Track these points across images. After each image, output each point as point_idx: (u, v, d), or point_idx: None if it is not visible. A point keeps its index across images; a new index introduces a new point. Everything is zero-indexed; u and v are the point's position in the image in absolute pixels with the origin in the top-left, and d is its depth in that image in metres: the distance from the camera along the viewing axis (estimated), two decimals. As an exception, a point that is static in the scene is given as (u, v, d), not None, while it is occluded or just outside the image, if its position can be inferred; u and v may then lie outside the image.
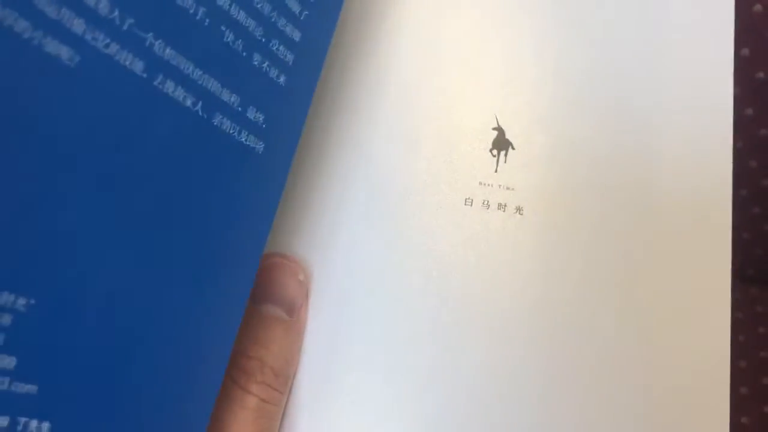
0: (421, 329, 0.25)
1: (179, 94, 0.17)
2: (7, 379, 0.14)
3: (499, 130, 0.26)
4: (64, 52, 0.14)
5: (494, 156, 0.26)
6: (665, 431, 0.24)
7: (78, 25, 0.14)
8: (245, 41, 0.19)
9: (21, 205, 0.14)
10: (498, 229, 0.25)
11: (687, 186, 0.26)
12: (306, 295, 0.25)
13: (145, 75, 0.16)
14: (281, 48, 0.20)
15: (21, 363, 0.14)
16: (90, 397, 0.16)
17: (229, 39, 0.18)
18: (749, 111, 0.40)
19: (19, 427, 0.14)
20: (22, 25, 0.13)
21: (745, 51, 0.40)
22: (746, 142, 0.41)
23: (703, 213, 0.26)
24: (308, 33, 0.21)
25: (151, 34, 0.16)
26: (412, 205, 0.26)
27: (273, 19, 0.19)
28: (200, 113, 0.18)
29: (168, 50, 0.17)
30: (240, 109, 0.19)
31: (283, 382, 0.23)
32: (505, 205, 0.25)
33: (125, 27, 0.15)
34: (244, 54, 0.19)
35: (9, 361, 0.14)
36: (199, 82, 0.17)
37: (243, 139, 0.19)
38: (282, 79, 0.20)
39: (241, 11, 0.18)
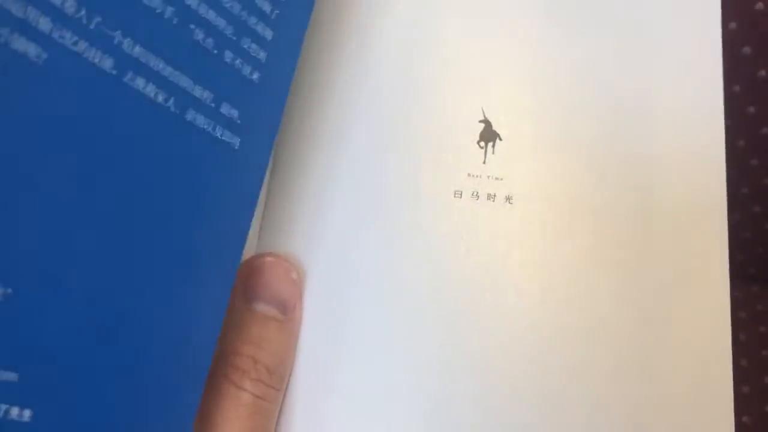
0: (415, 323, 0.25)
1: (150, 90, 0.18)
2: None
3: (486, 122, 0.27)
4: (32, 50, 0.15)
5: (482, 148, 0.27)
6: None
7: (44, 24, 0.15)
8: (216, 39, 0.20)
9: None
10: (488, 220, 0.26)
11: (680, 172, 0.26)
12: (300, 294, 0.25)
13: (114, 72, 0.17)
14: (253, 46, 0.21)
15: (0, 351, 0.15)
16: (72, 385, 0.17)
17: (198, 37, 0.19)
18: (751, 109, 0.40)
19: (1, 414, 0.15)
20: (-13, 24, 0.14)
21: (747, 49, 0.40)
22: (748, 140, 0.41)
23: (700, 201, 0.26)
24: (280, 31, 0.22)
25: (119, 32, 0.17)
26: (401, 199, 0.26)
27: (243, 18, 0.20)
28: (172, 109, 0.18)
29: (137, 48, 0.18)
30: (213, 105, 0.20)
31: (278, 379, 0.24)
32: (495, 195, 0.26)
33: (92, 26, 0.16)
34: (215, 52, 0.20)
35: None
36: (170, 79, 0.18)
37: (218, 135, 0.20)
38: (255, 75, 0.21)
39: (210, 11, 0.19)
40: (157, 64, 0.18)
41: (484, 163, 0.27)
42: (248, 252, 0.26)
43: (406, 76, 0.28)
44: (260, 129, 0.21)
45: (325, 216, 0.26)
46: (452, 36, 0.28)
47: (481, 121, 0.27)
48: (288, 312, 0.25)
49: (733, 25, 0.40)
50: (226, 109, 0.20)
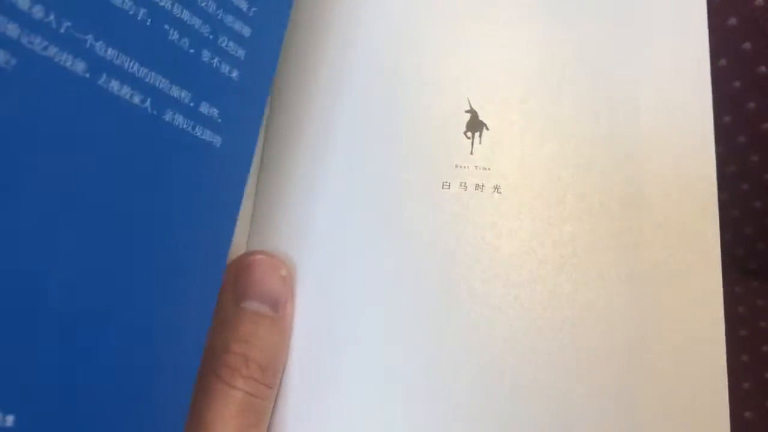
0: (406, 316, 0.25)
1: (126, 92, 0.18)
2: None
3: (472, 112, 0.27)
4: (0, 56, 0.15)
5: (469, 138, 0.27)
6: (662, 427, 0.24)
7: (12, 30, 0.16)
8: (191, 39, 0.20)
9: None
10: (477, 210, 0.26)
11: (669, 159, 0.26)
12: (291, 290, 0.26)
13: (87, 75, 0.17)
14: (231, 44, 0.21)
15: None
16: (57, 388, 0.17)
17: (174, 37, 0.19)
18: (751, 105, 0.40)
19: (-16, 419, 0.15)
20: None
21: (747, 45, 0.40)
22: (748, 136, 0.41)
23: (690, 189, 0.26)
24: (259, 28, 0.22)
25: (90, 36, 0.17)
26: (390, 192, 0.26)
27: (219, 17, 0.21)
28: (150, 110, 0.19)
29: (110, 50, 0.18)
30: (192, 104, 0.20)
31: (270, 376, 0.24)
32: (483, 186, 0.26)
33: (63, 30, 0.17)
34: (192, 51, 0.20)
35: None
36: (146, 80, 0.19)
37: (198, 134, 0.20)
38: (235, 74, 0.21)
39: (184, 10, 0.20)
40: (132, 65, 0.18)
41: (471, 153, 0.27)
42: (238, 250, 0.26)
43: (390, 67, 0.28)
44: (242, 127, 0.21)
45: (313, 212, 0.27)
46: (436, 25, 0.28)
47: (467, 111, 0.27)
48: (279, 309, 0.25)
49: (733, 21, 0.40)
50: (205, 108, 0.20)
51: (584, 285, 0.25)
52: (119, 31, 0.18)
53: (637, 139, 0.26)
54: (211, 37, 0.20)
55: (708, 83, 0.27)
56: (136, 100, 0.18)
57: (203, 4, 0.20)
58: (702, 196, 0.26)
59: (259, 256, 0.25)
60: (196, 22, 0.20)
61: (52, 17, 0.16)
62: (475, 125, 0.27)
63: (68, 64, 0.17)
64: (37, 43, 0.16)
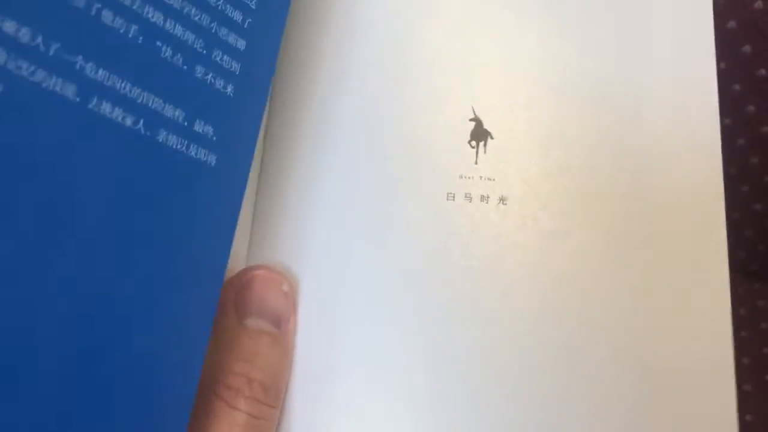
0: (410, 331, 0.25)
1: (117, 114, 0.18)
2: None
3: (477, 120, 0.27)
4: (-14, 83, 0.15)
5: (473, 147, 0.27)
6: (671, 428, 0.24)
7: (-1, 55, 0.15)
8: (185, 55, 0.20)
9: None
10: (482, 222, 0.26)
11: (677, 168, 0.26)
12: (293, 306, 0.25)
13: (78, 99, 0.17)
14: (225, 58, 0.21)
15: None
16: (51, 413, 0.17)
17: (167, 54, 0.19)
18: (751, 108, 0.40)
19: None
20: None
21: (747, 48, 0.40)
22: (747, 139, 0.41)
23: (697, 197, 0.25)
24: (254, 40, 0.22)
25: (80, 57, 0.17)
26: (392, 204, 0.26)
27: (213, 30, 0.20)
28: (143, 131, 0.18)
29: (101, 71, 0.17)
30: (186, 123, 0.20)
31: (273, 396, 0.24)
32: (488, 197, 0.26)
33: (51, 52, 0.16)
34: (185, 68, 0.20)
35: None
36: (138, 101, 0.18)
37: (192, 154, 0.20)
38: (229, 89, 0.21)
39: (177, 25, 0.19)
40: (124, 86, 0.18)
41: (476, 163, 0.26)
42: (237, 264, 0.26)
43: (390, 75, 0.27)
44: (237, 144, 0.21)
45: (313, 225, 0.26)
46: (437, 31, 0.28)
47: (471, 120, 0.27)
48: (281, 325, 0.25)
49: (732, 24, 0.39)
50: (199, 126, 0.20)
51: (592, 298, 0.24)
52: (110, 52, 0.18)
53: (644, 144, 0.26)
54: (205, 51, 0.20)
55: (714, 85, 0.26)
56: (129, 121, 0.18)
57: (197, 18, 0.20)
58: (709, 203, 0.25)
59: (260, 272, 0.25)
60: (190, 37, 0.20)
61: (39, 40, 0.16)
62: (480, 134, 0.27)
63: (57, 88, 0.17)
64: (25, 68, 0.16)
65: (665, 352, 0.24)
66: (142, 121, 0.18)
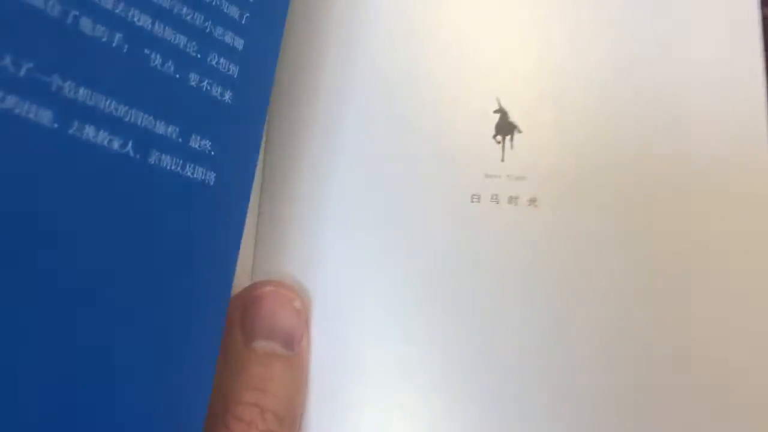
0: (433, 348, 0.23)
1: (102, 138, 0.16)
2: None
3: (502, 112, 0.25)
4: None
5: (499, 143, 0.24)
6: None
7: (-40, 83, 0.13)
8: (177, 61, 0.17)
9: None
10: (510, 226, 0.24)
11: (723, 162, 0.24)
12: (305, 324, 0.24)
13: (56, 125, 0.15)
14: (222, 61, 0.19)
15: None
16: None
17: (156, 63, 0.17)
18: None
19: None
20: None
21: None
22: None
23: (744, 193, 0.23)
24: (253, 37, 0.19)
25: (56, 76, 0.15)
26: (411, 208, 0.24)
27: (208, 30, 0.18)
28: (132, 154, 0.17)
29: (81, 91, 0.15)
30: (180, 140, 0.18)
31: (289, 425, 0.23)
32: (517, 198, 0.24)
33: (22, 73, 0.14)
34: (178, 76, 0.18)
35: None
36: (126, 120, 0.16)
37: (189, 174, 0.18)
38: (228, 96, 0.19)
39: (167, 28, 0.17)
40: (109, 104, 0.16)
41: (502, 160, 0.24)
42: (243, 280, 0.24)
43: (404, 66, 0.25)
44: (238, 156, 0.19)
45: (325, 233, 0.25)
46: (457, 15, 0.26)
47: (496, 112, 0.25)
48: (294, 346, 0.23)
49: None
50: (195, 141, 0.18)
51: (632, 313, 0.23)
52: (91, 66, 0.16)
53: (685, 132, 0.24)
54: (199, 55, 0.18)
55: (760, 75, 0.24)
56: (116, 145, 0.16)
57: (189, 17, 0.18)
58: (759, 195, 0.23)
59: (268, 288, 0.23)
60: (182, 40, 0.18)
61: (8, 60, 0.14)
62: (506, 128, 0.25)
63: (31, 115, 0.14)
64: (-8, 95, 0.14)
65: (730, 353, 0.22)
66: (131, 142, 0.16)
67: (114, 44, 0.16)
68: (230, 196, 0.19)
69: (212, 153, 0.19)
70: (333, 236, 0.25)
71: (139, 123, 0.17)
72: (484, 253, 0.24)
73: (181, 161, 0.18)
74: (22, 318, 0.15)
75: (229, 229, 0.19)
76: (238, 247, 0.20)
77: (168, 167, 0.18)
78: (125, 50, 0.16)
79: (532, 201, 0.24)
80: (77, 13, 0.15)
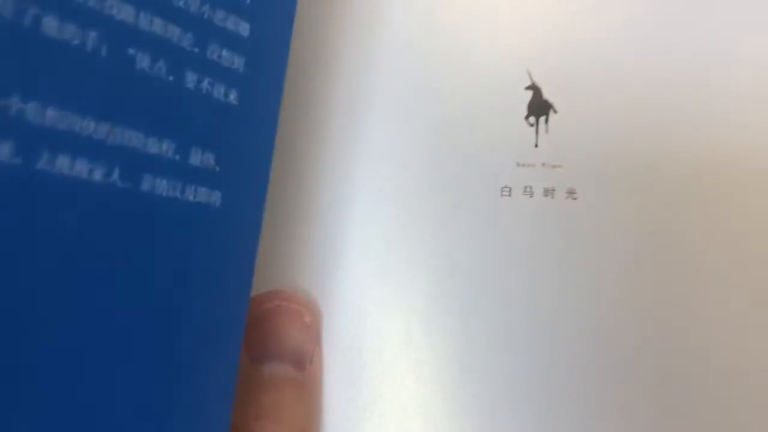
0: (459, 362, 0.20)
1: (80, 168, 0.12)
2: None
3: (534, 89, 0.21)
4: None
5: (532, 125, 0.21)
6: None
7: None
8: (170, 60, 0.14)
9: None
10: (546, 223, 0.21)
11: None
12: (316, 339, 0.21)
13: (19, 160, 0.11)
14: (225, 53, 0.15)
15: None
16: None
17: (143, 65, 0.13)
18: None
19: None
20: None
21: None
22: None
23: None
24: (260, 20, 0.15)
25: (16, 98, 0.11)
26: (433, 204, 0.21)
27: (206, 16, 0.14)
28: (119, 184, 0.13)
29: (49, 112, 0.12)
30: (178, 157, 0.14)
31: None
32: (553, 190, 0.21)
33: (-30, 98, 0.10)
34: (171, 78, 0.14)
35: None
36: (109, 142, 0.13)
37: (190, 198, 0.14)
38: (233, 96, 0.15)
39: (155, 19, 0.13)
40: (86, 126, 0.12)
41: (536, 146, 0.21)
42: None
43: (422, 33, 0.21)
44: (248, 168, 0.16)
45: (340, 235, 0.21)
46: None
47: (528, 88, 0.21)
48: (304, 365, 0.20)
49: None
50: (196, 157, 0.14)
51: (689, 318, 0.20)
52: (60, 79, 0.12)
53: (742, 115, 0.21)
54: (196, 49, 0.14)
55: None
56: (98, 175, 0.12)
57: (182, 3, 0.14)
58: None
59: (274, 304, 0.20)
60: (175, 32, 0.14)
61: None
62: (540, 107, 0.21)
63: (-14, 153, 0.11)
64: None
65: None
66: (117, 169, 0.13)
67: (88, 47, 0.12)
68: (240, 217, 0.16)
69: (217, 168, 0.15)
70: (351, 239, 0.21)
71: (125, 143, 0.13)
72: (516, 255, 0.21)
73: (180, 183, 0.14)
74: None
75: (240, 256, 0.16)
76: (251, 274, 0.16)
77: (164, 193, 0.14)
78: (103, 53, 0.13)
79: (571, 192, 0.21)
80: (38, 11, 0.11)
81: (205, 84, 0.15)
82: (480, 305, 0.21)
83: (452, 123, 0.21)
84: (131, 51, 0.13)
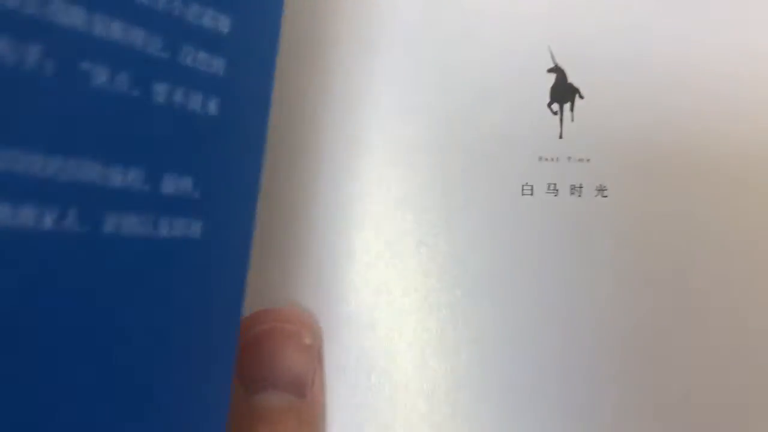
0: (474, 380, 0.18)
1: (26, 216, 0.10)
2: None
3: (558, 71, 0.19)
4: None
5: (555, 113, 0.19)
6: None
7: None
8: (133, 70, 0.11)
9: None
10: (573, 225, 0.18)
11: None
12: (318, 360, 0.19)
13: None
14: (201, 55, 0.12)
15: None
16: None
17: (101, 80, 0.11)
18: None
19: None
20: None
21: None
22: None
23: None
24: (243, 12, 0.13)
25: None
26: (445, 210, 0.19)
27: (177, 12, 0.12)
28: (76, 228, 0.10)
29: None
30: (148, 187, 0.12)
31: None
32: (581, 187, 0.18)
33: None
34: (136, 93, 0.11)
35: None
36: (60, 180, 0.10)
37: (164, 233, 0.12)
38: (212, 104, 0.13)
39: (114, 23, 0.11)
40: (29, 164, 0.10)
41: (560, 137, 0.19)
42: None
43: (431, 14, 0.19)
44: (233, 189, 0.13)
45: (343, 242, 0.19)
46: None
47: (550, 71, 0.19)
48: (305, 391, 0.18)
49: None
50: (170, 184, 0.12)
51: (738, 320, 0.18)
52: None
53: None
54: (166, 54, 0.12)
55: None
56: (48, 221, 0.10)
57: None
58: None
59: (269, 325, 0.18)
60: (138, 36, 0.11)
61: None
62: (564, 92, 0.19)
63: None
64: None
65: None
66: (72, 212, 0.10)
67: (29, 65, 0.10)
68: (226, 246, 0.13)
69: (195, 194, 0.13)
70: (356, 246, 0.19)
71: (81, 179, 0.11)
72: (540, 264, 0.18)
73: (153, 218, 0.12)
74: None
75: (227, 288, 0.14)
76: (241, 304, 0.14)
77: (133, 232, 0.12)
78: (49, 71, 0.10)
79: (601, 189, 0.18)
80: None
81: (178, 95, 0.12)
82: (500, 322, 0.18)
83: (462, 113, 0.19)
84: (84, 65, 0.11)
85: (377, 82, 0.19)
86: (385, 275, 0.19)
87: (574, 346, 0.18)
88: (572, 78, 0.19)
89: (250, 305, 0.19)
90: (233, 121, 0.13)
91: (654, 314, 0.18)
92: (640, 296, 0.18)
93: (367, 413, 0.19)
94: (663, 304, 0.18)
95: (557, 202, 0.19)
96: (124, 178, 0.11)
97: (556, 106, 0.19)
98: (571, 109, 0.19)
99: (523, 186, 0.19)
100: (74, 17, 0.10)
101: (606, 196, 0.19)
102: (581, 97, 0.19)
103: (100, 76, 0.11)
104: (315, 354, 0.19)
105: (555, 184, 0.19)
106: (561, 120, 0.19)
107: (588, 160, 0.19)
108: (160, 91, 0.12)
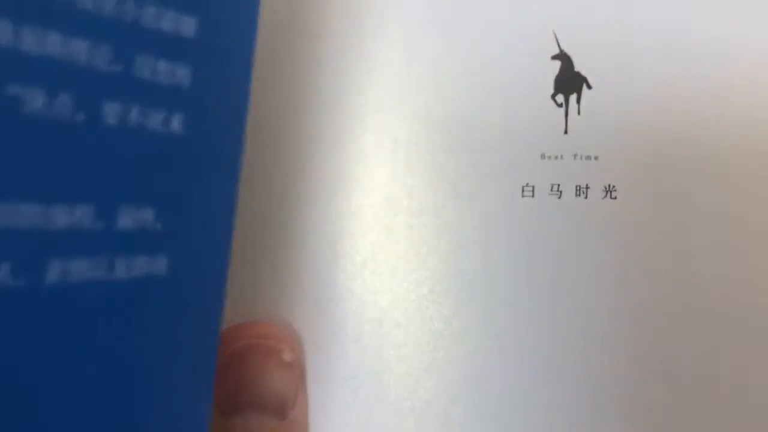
0: (468, 384, 0.17)
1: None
2: None
3: (563, 58, 0.17)
4: None
5: (560, 105, 0.17)
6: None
7: None
8: (76, 90, 0.09)
9: None
10: (579, 229, 0.17)
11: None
12: (300, 378, 0.17)
13: None
14: (162, 65, 0.10)
15: None
16: None
17: (35, 105, 0.09)
18: None
19: None
20: None
21: None
22: None
23: None
24: (211, 10, 0.11)
25: None
26: (438, 209, 0.17)
27: (129, 17, 0.10)
28: (11, 282, 0.09)
29: None
30: (100, 224, 0.10)
31: None
32: (587, 187, 0.17)
33: None
34: (81, 116, 0.09)
35: None
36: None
37: (122, 275, 0.10)
38: (176, 121, 0.11)
39: (50, 35, 0.09)
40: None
41: (565, 132, 0.17)
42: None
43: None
44: (203, 214, 0.12)
45: (326, 251, 0.17)
46: None
47: (554, 57, 0.17)
48: (286, 412, 0.17)
49: None
50: (127, 217, 0.10)
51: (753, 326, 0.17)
52: None
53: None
54: (118, 67, 0.10)
55: None
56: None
57: (89, 4, 0.09)
58: None
59: (245, 342, 0.16)
60: (81, 49, 0.09)
61: None
62: (570, 82, 0.17)
63: None
64: None
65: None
66: (6, 264, 0.09)
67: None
68: (198, 280, 0.12)
69: (157, 226, 0.11)
70: (343, 249, 0.17)
71: (17, 225, 0.09)
72: (543, 271, 0.17)
73: (107, 259, 0.10)
74: None
75: (201, 323, 0.12)
76: (214, 346, 0.12)
77: (84, 278, 0.10)
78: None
79: (609, 190, 0.17)
80: None
81: (133, 114, 0.10)
82: (497, 337, 0.17)
83: (457, 106, 0.17)
84: (13, 89, 0.09)
85: (369, 81, 0.17)
86: (372, 284, 0.17)
87: (580, 364, 0.17)
88: (579, 66, 0.18)
89: (225, 318, 0.18)
90: (202, 138, 0.11)
91: (668, 331, 0.17)
92: (651, 309, 0.17)
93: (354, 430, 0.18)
94: (677, 317, 0.17)
95: (561, 205, 0.17)
96: (69, 217, 0.10)
97: (560, 98, 0.18)
98: (578, 101, 0.17)
99: (523, 187, 0.17)
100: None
101: (615, 198, 0.17)
102: (589, 87, 0.17)
103: (35, 100, 0.09)
104: (296, 371, 0.17)
105: (559, 185, 0.17)
106: (566, 113, 0.17)
107: (596, 158, 0.17)
108: (111, 111, 0.10)
